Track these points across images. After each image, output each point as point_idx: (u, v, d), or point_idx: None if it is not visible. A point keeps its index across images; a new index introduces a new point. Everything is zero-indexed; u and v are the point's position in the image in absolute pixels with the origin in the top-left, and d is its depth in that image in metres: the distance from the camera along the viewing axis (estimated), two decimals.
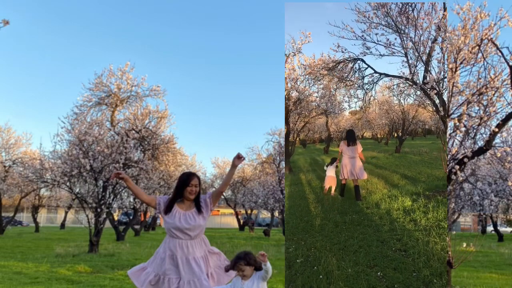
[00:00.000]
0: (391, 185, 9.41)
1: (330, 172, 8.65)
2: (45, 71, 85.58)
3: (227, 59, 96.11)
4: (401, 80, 9.27)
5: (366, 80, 10.11)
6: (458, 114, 5.69)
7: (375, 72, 9.67)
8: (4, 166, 20.45)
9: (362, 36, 8.59)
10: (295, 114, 14.12)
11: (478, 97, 5.62)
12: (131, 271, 3.53)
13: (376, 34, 8.43)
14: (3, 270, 8.11)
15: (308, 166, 15.52)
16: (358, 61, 9.67)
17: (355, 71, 9.99)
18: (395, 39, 8.28)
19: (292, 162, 16.07)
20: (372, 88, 10.50)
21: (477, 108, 5.77)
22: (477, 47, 5.62)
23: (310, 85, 12.85)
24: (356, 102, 12.22)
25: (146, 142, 13.88)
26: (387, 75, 9.35)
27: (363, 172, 8.10)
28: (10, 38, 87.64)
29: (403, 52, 8.16)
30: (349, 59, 9.70)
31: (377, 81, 10.08)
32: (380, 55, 8.72)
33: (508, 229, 32.06)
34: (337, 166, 8.77)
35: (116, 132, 13.27)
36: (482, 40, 5.56)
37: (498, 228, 22.92)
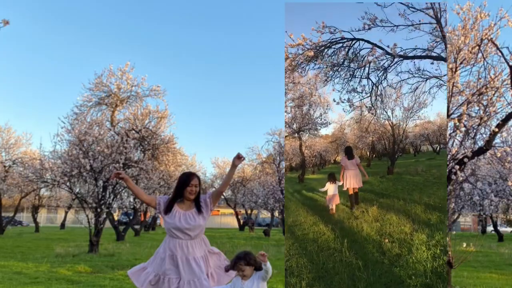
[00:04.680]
0: (421, 223, 6.08)
1: (334, 190, 8.44)
2: (45, 71, 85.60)
3: (227, 59, 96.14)
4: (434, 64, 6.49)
5: (373, 65, 7.10)
6: (458, 114, 5.69)
7: (388, 53, 6.50)
8: (4, 166, 20.45)
9: None
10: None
11: (478, 97, 5.63)
12: (131, 271, 3.53)
13: None
14: (3, 270, 8.11)
15: (285, 200, 11.80)
16: (359, 42, 6.80)
17: (351, 58, 7.04)
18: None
19: None
20: (383, 76, 7.42)
21: (477, 108, 5.78)
22: (477, 47, 5.62)
23: (285, 91, 9.99)
24: (362, 98, 8.41)
25: (146, 142, 13.88)
26: (407, 58, 6.49)
27: (361, 180, 8.68)
28: (10, 38, 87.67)
29: (432, 15, 5.82)
30: (344, 40, 6.72)
31: (391, 65, 7.00)
32: (395, 25, 6.08)
33: (508, 229, 32.07)
34: (336, 181, 8.51)
35: (116, 132, 13.27)
36: (482, 40, 5.57)
37: (498, 228, 22.92)
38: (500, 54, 5.41)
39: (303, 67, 7.87)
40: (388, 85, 7.93)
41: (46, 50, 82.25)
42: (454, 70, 5.70)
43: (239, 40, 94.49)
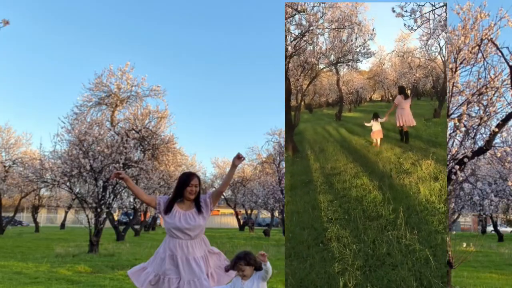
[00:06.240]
0: None
1: (378, 126, 9.33)
2: (45, 71, 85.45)
3: (227, 59, 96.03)
4: None
5: None
6: (458, 114, 5.69)
7: None
8: (4, 166, 20.44)
9: None
10: (297, 65, 9.52)
11: (478, 97, 5.63)
12: (131, 271, 3.53)
13: None
14: (3, 270, 8.11)
15: (321, 140, 10.28)
16: None
17: None
18: None
19: (298, 133, 10.84)
20: None
21: (477, 108, 5.78)
22: (477, 47, 5.62)
23: (322, 12, 7.87)
24: (434, 8, 6.53)
25: (146, 142, 13.89)
26: None
27: (413, 119, 9.40)
28: (10, 38, 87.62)
29: None
30: None
31: None
32: None
33: (508, 229, 32.07)
34: (379, 119, 9.29)
35: (116, 132, 13.27)
36: (482, 40, 5.56)
37: (498, 228, 22.92)
38: (500, 54, 5.41)
39: None
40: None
41: (46, 50, 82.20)
42: (454, 70, 5.70)
43: (239, 40, 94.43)
